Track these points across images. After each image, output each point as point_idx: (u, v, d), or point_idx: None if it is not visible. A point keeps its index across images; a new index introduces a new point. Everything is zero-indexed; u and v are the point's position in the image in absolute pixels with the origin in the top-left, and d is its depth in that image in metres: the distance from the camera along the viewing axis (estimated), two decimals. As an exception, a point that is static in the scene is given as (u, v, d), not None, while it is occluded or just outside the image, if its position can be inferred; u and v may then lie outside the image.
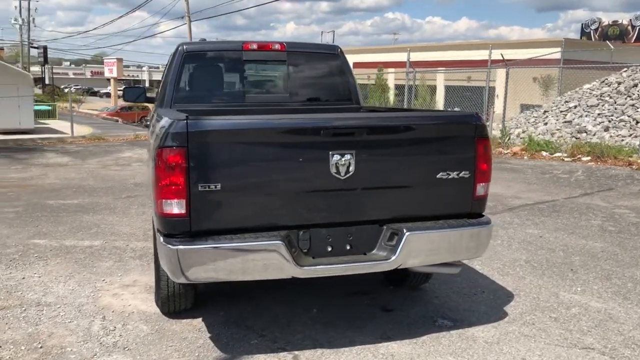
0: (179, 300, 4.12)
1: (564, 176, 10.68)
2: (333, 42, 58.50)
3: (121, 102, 41.06)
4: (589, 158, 12.41)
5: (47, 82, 50.06)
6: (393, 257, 3.55)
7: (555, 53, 19.28)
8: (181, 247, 3.28)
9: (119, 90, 41.12)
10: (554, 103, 16.92)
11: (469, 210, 3.82)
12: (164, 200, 3.29)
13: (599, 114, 14.85)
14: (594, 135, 14.09)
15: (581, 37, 44.77)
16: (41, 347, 3.73)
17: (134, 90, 6.40)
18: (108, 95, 58.40)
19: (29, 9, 52.23)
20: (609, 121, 14.41)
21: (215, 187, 3.29)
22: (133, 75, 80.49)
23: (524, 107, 20.15)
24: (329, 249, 3.59)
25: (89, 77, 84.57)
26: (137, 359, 3.61)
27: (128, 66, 78.14)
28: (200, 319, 4.17)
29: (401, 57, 19.75)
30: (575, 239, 6.36)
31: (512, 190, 9.21)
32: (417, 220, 3.70)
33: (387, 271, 3.93)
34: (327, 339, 3.87)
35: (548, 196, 8.80)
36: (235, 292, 4.60)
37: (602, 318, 4.24)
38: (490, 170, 3.83)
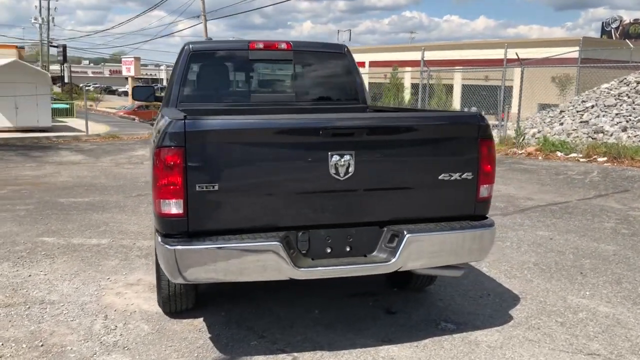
0: (180, 300, 4.11)
1: (578, 177, 10.52)
2: (349, 41, 58.44)
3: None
4: (605, 159, 12.21)
5: (66, 80, 50.69)
6: (393, 260, 3.50)
7: (573, 52, 19.01)
8: (179, 247, 3.27)
9: (136, 88, 41.28)
10: (570, 103, 16.67)
11: (472, 213, 3.75)
12: (161, 200, 3.28)
13: (616, 114, 14.59)
14: (611, 135, 13.86)
15: (601, 36, 44.20)
16: (42, 346, 3.75)
17: (143, 90, 6.38)
18: (126, 93, 58.82)
19: (48, 9, 52.83)
20: (627, 121, 14.16)
21: (213, 188, 3.27)
22: (151, 74, 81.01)
23: (542, 107, 19.90)
24: (329, 250, 3.55)
25: (108, 75, 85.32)
26: (136, 358, 3.61)
27: (146, 65, 78.62)
28: (201, 319, 4.16)
29: (418, 56, 19.60)
30: (586, 242, 6.24)
31: (524, 191, 9.09)
32: (419, 222, 3.65)
33: (389, 273, 3.87)
34: (327, 341, 3.83)
35: (561, 197, 8.66)
36: (237, 292, 4.59)
37: (609, 323, 4.15)
38: (494, 171, 3.75)
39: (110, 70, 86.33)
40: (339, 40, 54.85)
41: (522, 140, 14.77)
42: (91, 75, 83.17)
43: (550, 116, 16.51)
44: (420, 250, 3.57)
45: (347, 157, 3.38)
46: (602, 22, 45.97)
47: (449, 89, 29.42)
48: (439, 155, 3.65)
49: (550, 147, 13.65)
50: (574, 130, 14.82)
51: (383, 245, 3.58)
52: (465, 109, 24.02)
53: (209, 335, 3.92)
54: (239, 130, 3.36)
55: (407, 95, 28.16)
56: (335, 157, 3.37)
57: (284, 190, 3.43)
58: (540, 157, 13.27)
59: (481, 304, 4.52)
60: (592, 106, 15.47)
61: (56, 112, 28.37)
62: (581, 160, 12.54)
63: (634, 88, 15.26)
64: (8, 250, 5.81)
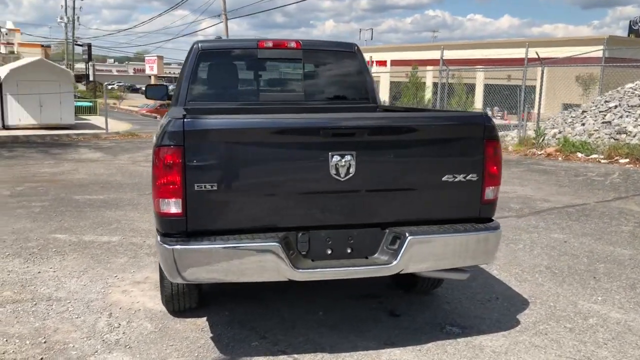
0: (183, 299, 4.11)
1: (598, 179, 10.31)
2: (371, 39, 58.19)
3: (160, 99, 41.56)
4: (627, 160, 11.95)
5: (90, 78, 51.30)
6: (394, 262, 3.44)
7: (597, 51, 18.63)
8: (177, 247, 3.26)
9: (159, 87, 41.63)
10: (593, 103, 16.34)
11: (477, 215, 3.68)
12: (161, 199, 3.27)
13: (640, 114, 14.27)
14: (634, 136, 13.54)
15: (629, 35, 43.23)
16: (45, 342, 3.77)
17: (156, 89, 6.39)
18: (149, 92, 59.29)
19: (74, 8, 53.50)
20: (651, 122, 13.83)
21: (212, 187, 3.25)
22: (174, 72, 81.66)
23: (566, 107, 19.56)
24: (329, 251, 3.51)
25: (132, 74, 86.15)
26: (136, 357, 3.61)
27: (169, 63, 79.29)
28: (204, 319, 4.15)
29: (439, 55, 19.37)
30: (602, 245, 6.10)
31: (541, 193, 8.92)
32: (422, 224, 3.58)
33: (395, 275, 3.81)
34: (329, 343, 3.79)
35: (579, 199, 8.49)
36: (241, 292, 4.57)
37: (620, 330, 4.04)
38: (500, 173, 3.67)
39: (134, 69, 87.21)
40: (360, 39, 54.68)
41: (542, 140, 14.52)
42: (116, 73, 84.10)
43: (572, 116, 16.21)
44: (422, 253, 3.50)
45: (347, 158, 3.33)
46: (630, 21, 44.97)
47: (471, 88, 29.08)
48: (443, 156, 3.58)
49: (570, 147, 13.40)
50: (595, 130, 14.52)
51: (385, 247, 3.53)
52: (488, 109, 23.76)
53: (211, 335, 3.91)
54: (239, 129, 3.34)
55: (427, 94, 27.89)
56: (336, 158, 3.33)
57: (283, 190, 3.40)
58: (560, 158, 13.04)
59: (489, 307, 4.43)
60: (616, 106, 15.14)
61: (80, 110, 28.72)
62: (602, 161, 12.28)
63: (659, 88, 14.91)
64: (20, 246, 5.88)
